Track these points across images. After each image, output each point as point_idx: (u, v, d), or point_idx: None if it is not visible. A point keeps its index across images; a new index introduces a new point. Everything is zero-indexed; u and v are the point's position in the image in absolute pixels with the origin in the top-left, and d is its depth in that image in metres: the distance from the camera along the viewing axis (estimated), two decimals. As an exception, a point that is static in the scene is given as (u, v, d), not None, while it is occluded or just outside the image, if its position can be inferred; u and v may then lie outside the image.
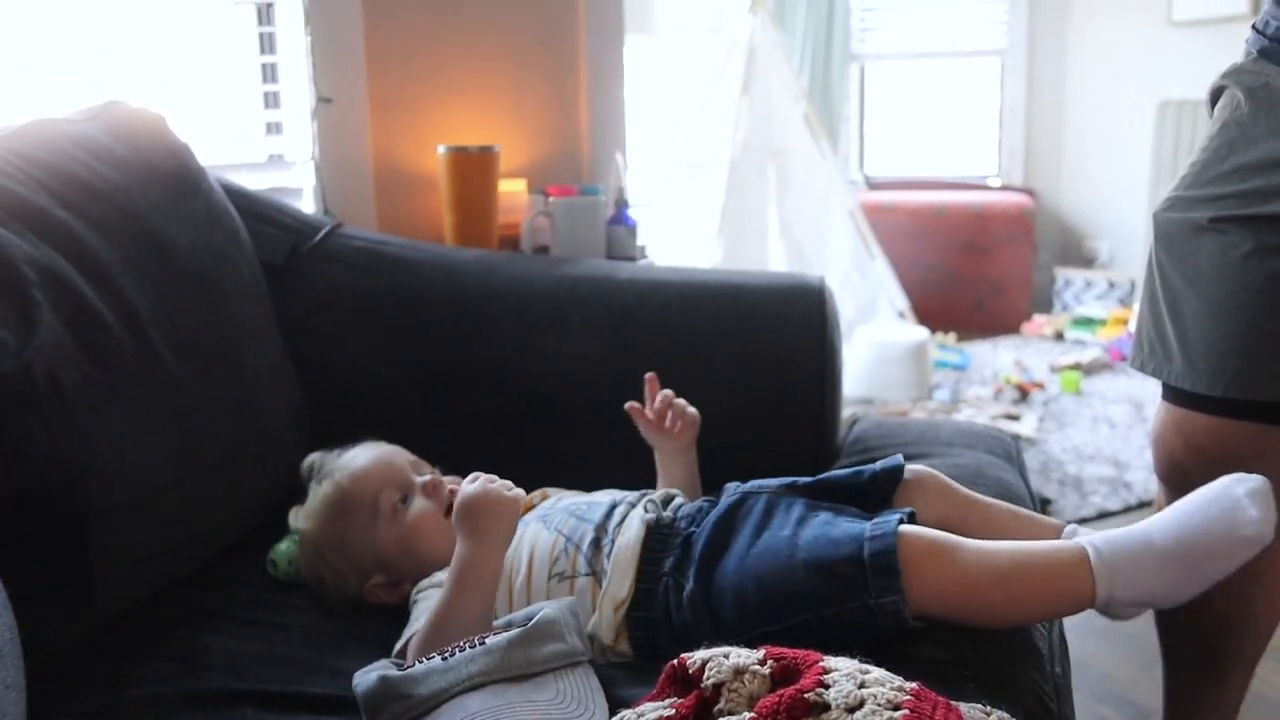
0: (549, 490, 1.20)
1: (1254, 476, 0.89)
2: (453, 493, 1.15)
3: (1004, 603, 0.89)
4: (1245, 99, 1.19)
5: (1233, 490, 0.89)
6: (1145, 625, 1.36)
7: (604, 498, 1.12)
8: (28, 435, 0.97)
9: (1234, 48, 1.26)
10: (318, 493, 1.15)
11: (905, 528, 0.91)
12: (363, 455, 1.17)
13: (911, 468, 1.07)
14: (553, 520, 1.08)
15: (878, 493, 1.04)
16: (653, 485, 1.21)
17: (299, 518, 1.15)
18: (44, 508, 0.99)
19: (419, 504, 1.13)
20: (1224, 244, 1.17)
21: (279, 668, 0.98)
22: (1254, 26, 1.21)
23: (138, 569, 1.09)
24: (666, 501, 1.11)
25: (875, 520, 0.93)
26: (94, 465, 1.02)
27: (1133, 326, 1.35)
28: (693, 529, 1.02)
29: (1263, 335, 1.16)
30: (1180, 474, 1.31)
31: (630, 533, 1.03)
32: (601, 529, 1.05)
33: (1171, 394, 1.27)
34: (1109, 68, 4.89)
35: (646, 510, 1.06)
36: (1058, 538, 1.03)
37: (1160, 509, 1.38)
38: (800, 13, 5.16)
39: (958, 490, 1.08)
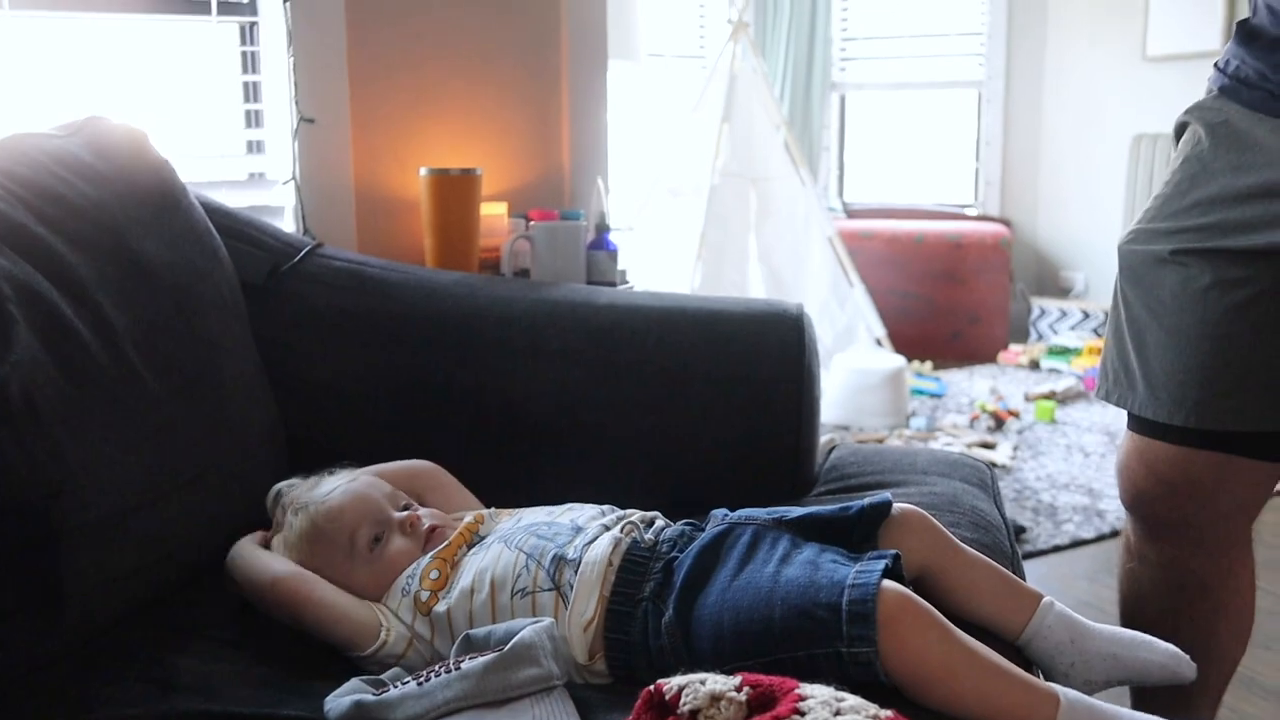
0: (501, 512, 1.19)
1: None
2: (431, 528, 1.14)
3: (972, 696, 0.87)
4: (1206, 135, 1.21)
5: None
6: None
7: (566, 518, 1.11)
8: (0, 452, 0.96)
9: (1206, 83, 1.28)
10: (294, 526, 1.13)
11: (893, 585, 0.90)
12: (339, 490, 1.14)
13: (899, 506, 1.06)
14: (514, 539, 1.06)
15: (863, 529, 1.04)
16: (628, 505, 1.20)
17: (280, 546, 1.14)
18: (16, 525, 0.98)
19: (397, 542, 1.11)
20: (1185, 276, 1.19)
21: (252, 688, 0.97)
22: (1216, 65, 1.24)
23: (110, 587, 1.08)
24: (649, 524, 1.10)
25: (859, 567, 0.92)
26: (68, 483, 1.02)
27: (1106, 357, 1.37)
28: (675, 554, 1.02)
29: (1222, 366, 1.17)
30: (1144, 502, 1.32)
31: (598, 551, 1.02)
32: (566, 546, 1.04)
33: (1135, 423, 1.29)
34: (1084, 101, 4.96)
35: (624, 532, 1.05)
36: (1035, 607, 1.04)
37: (1128, 538, 1.40)
38: (781, 41, 5.21)
39: (943, 534, 1.07)
